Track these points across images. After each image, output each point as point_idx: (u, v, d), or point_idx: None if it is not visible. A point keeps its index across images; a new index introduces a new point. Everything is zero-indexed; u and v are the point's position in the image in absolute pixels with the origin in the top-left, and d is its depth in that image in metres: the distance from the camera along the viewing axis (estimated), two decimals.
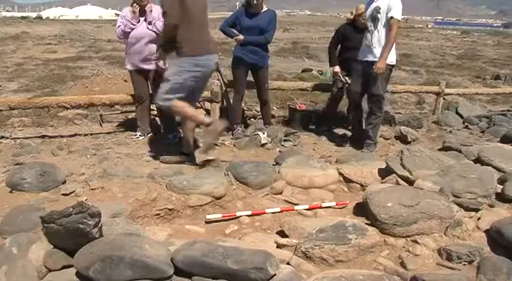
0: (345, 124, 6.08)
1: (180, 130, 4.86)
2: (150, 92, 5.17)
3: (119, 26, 4.96)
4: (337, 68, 5.70)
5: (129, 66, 5.09)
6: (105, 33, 24.56)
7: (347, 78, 5.50)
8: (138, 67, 5.03)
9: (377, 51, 4.79)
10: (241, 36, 5.23)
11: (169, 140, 5.13)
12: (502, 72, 12.96)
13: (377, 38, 4.81)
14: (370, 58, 4.84)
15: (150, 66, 5.01)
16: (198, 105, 6.31)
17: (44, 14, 54.20)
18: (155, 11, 4.90)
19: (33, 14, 52.71)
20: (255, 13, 5.22)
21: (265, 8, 5.27)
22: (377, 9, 4.77)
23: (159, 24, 4.84)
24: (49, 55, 13.71)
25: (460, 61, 16.18)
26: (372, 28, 4.84)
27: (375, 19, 4.80)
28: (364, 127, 5.17)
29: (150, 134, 5.32)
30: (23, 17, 41.72)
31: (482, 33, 41.34)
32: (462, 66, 14.65)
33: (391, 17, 4.67)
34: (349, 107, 5.90)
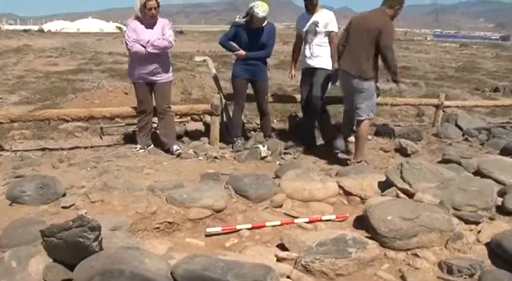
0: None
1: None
2: (154, 104, 5.19)
3: (127, 44, 4.86)
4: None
5: (134, 79, 5.08)
6: (106, 46, 24.69)
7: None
8: (145, 80, 5.02)
9: (316, 60, 5.36)
10: (242, 52, 5.26)
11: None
12: (500, 84, 12.99)
13: (317, 48, 5.35)
14: (312, 65, 5.39)
15: (155, 78, 5.02)
16: (198, 118, 6.35)
17: (46, 27, 54.55)
18: (161, 23, 4.93)
19: (35, 27, 53.03)
20: (256, 28, 5.24)
21: (264, 22, 5.29)
22: (316, 23, 5.29)
23: (172, 38, 4.93)
24: (50, 68, 13.77)
25: (459, 73, 16.23)
26: (310, 40, 5.36)
27: (313, 32, 5.32)
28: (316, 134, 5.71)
29: (151, 146, 5.33)
30: (25, 30, 41.97)
31: (481, 45, 41.54)
32: (461, 78, 14.70)
33: (332, 31, 5.30)
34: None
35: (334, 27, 5.32)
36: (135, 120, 5.60)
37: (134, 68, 5.02)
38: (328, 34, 5.31)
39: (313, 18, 5.32)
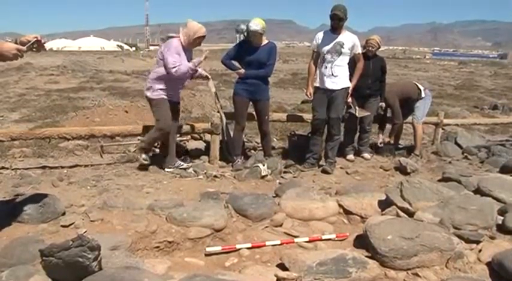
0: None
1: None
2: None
3: (177, 66, 4.84)
4: (349, 99, 5.77)
5: (164, 96, 5.01)
6: (107, 64, 24.90)
7: (358, 109, 5.88)
8: (173, 99, 5.12)
9: (337, 80, 5.38)
10: (242, 70, 5.31)
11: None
12: (499, 102, 13.08)
13: (337, 68, 5.36)
14: (332, 86, 5.39)
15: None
16: (198, 137, 6.36)
17: (48, 45, 55.00)
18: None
19: None
20: (255, 47, 5.30)
21: (265, 41, 5.35)
22: (340, 44, 5.33)
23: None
24: (51, 86, 13.89)
25: (458, 91, 16.36)
26: (333, 59, 5.35)
27: (337, 52, 5.34)
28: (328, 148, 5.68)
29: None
30: None
31: (479, 63, 41.86)
32: (460, 96, 14.81)
33: (358, 53, 5.49)
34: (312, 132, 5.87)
35: (359, 48, 5.52)
36: (136, 139, 5.60)
37: (167, 88, 5.03)
38: (354, 56, 5.46)
39: (338, 39, 5.34)
